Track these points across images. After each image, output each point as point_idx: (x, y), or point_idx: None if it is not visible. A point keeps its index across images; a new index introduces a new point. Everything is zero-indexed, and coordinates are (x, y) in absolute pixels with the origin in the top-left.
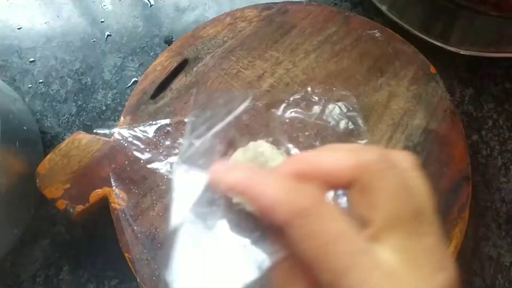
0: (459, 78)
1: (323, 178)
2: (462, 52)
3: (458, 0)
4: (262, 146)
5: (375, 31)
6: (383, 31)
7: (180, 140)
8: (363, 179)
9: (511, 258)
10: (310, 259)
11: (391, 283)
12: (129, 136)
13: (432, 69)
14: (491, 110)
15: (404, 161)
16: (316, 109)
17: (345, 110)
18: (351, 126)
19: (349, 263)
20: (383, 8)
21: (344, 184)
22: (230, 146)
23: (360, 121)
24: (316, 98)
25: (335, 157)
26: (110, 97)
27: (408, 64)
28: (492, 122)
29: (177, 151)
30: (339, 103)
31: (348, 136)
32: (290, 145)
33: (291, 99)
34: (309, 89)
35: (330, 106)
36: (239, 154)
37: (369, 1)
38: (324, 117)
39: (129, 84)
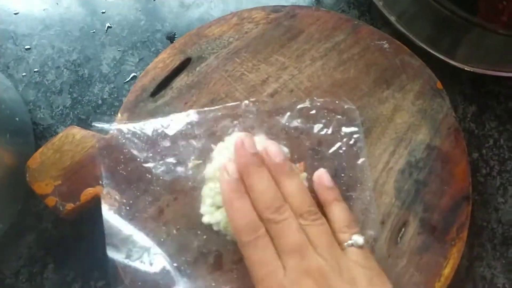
0: (463, 94)
1: None
2: (467, 68)
3: (469, 17)
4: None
5: (384, 42)
6: (392, 43)
7: (179, 142)
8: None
9: (504, 279)
10: (248, 268)
11: None
12: (127, 133)
13: (439, 85)
14: (492, 129)
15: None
16: (319, 121)
17: (347, 126)
18: (351, 142)
19: (261, 275)
20: (392, 18)
21: None
22: None
23: (360, 138)
24: (320, 110)
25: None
26: (107, 91)
27: (415, 78)
28: (493, 141)
29: (175, 151)
30: (342, 118)
31: (348, 151)
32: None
33: (297, 107)
34: (314, 99)
35: (332, 120)
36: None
37: (377, 10)
38: (325, 131)
39: (128, 79)
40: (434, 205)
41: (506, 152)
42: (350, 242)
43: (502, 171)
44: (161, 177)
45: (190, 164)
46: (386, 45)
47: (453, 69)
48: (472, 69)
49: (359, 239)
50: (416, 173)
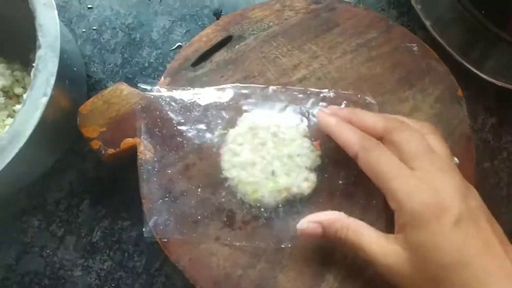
0: (485, 105)
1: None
2: (493, 81)
3: (498, 31)
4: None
5: (414, 45)
6: (421, 46)
7: (210, 111)
8: (388, 137)
9: None
10: (371, 175)
11: (423, 188)
12: (167, 96)
13: (459, 92)
14: (508, 142)
15: (424, 127)
16: None
17: None
18: None
19: (393, 174)
20: (427, 23)
21: (378, 137)
22: None
23: None
24: (342, 101)
25: (373, 119)
26: (154, 55)
27: (438, 83)
28: (507, 154)
29: (205, 119)
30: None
31: None
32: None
33: (321, 95)
34: (338, 90)
35: None
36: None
37: (415, 13)
38: None
39: (173, 47)
40: None
41: None
42: None
43: (510, 183)
44: (191, 140)
45: (216, 133)
46: (415, 48)
47: (479, 80)
48: (497, 83)
49: None
50: None
